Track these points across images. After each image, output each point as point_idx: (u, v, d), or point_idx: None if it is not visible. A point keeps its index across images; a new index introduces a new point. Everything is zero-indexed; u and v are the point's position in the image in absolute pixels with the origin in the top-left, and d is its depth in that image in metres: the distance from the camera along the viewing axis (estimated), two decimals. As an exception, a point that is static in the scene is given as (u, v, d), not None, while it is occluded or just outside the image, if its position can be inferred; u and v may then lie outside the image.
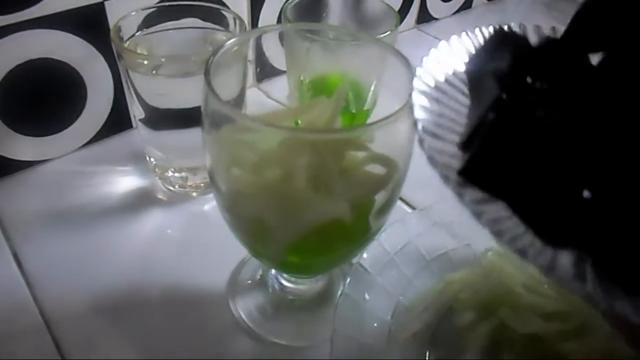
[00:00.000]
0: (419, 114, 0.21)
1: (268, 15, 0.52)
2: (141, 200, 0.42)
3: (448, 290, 0.33)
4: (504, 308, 0.31)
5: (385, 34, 0.38)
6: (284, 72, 0.42)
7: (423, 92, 0.22)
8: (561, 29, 0.24)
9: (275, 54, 0.53)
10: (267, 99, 0.53)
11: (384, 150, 0.26)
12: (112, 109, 0.46)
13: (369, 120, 0.38)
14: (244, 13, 0.50)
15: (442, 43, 0.24)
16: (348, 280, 0.33)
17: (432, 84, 0.23)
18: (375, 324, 0.32)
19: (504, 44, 0.23)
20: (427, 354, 0.32)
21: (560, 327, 0.29)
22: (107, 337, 0.33)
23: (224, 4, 0.47)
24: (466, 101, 0.23)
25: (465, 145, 0.21)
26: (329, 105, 0.28)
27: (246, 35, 0.34)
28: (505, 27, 0.24)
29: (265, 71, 0.54)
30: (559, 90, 0.21)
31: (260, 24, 0.52)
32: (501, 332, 0.30)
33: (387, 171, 0.26)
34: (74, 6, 0.40)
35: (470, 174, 0.19)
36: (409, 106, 0.23)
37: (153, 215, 0.41)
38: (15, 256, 0.37)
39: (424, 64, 0.23)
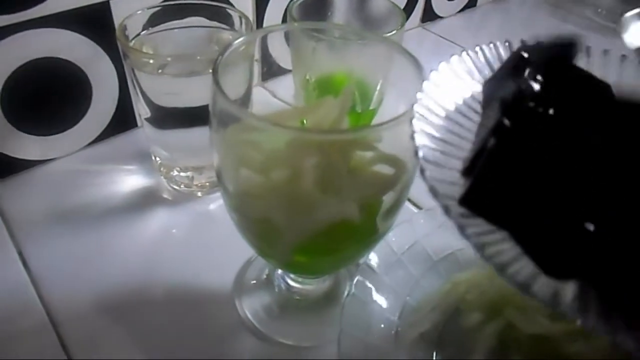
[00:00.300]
0: (420, 140, 0.20)
1: (273, 13, 0.52)
2: (146, 200, 0.42)
3: (455, 291, 0.33)
4: (510, 308, 0.30)
5: (392, 32, 0.38)
6: (290, 71, 0.42)
7: (424, 118, 0.21)
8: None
9: (281, 53, 0.53)
10: (272, 98, 0.53)
11: (392, 151, 0.26)
12: (117, 108, 0.46)
13: (375, 120, 0.38)
14: (249, 12, 0.50)
15: (442, 65, 0.24)
16: (355, 280, 0.33)
17: (434, 109, 0.22)
18: (382, 325, 0.32)
19: (520, 68, 0.23)
20: (434, 354, 0.31)
21: (567, 327, 0.29)
22: (112, 336, 0.33)
23: (229, 3, 0.47)
24: (470, 125, 0.23)
25: (467, 172, 0.20)
26: (335, 105, 0.27)
27: (253, 35, 0.34)
28: (524, 52, 0.23)
29: (271, 70, 0.54)
30: (563, 117, 0.21)
31: (265, 23, 0.52)
32: (508, 333, 0.30)
33: (396, 171, 0.26)
34: (79, 5, 0.40)
35: (471, 203, 0.19)
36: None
37: (158, 214, 0.41)
38: (21, 255, 0.37)
39: (425, 88, 0.23)
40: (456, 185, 0.20)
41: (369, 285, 0.33)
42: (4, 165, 0.42)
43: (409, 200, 0.43)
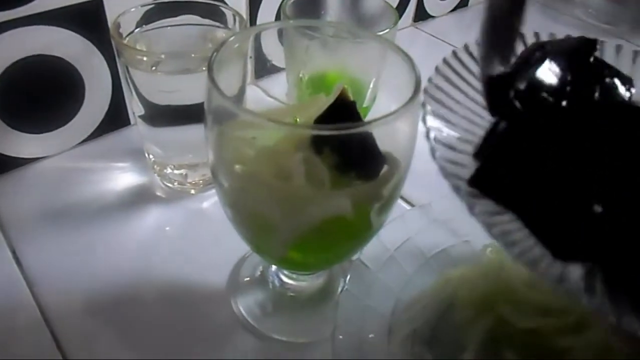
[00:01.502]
0: (432, 122, 0.21)
1: (267, 12, 0.52)
2: (140, 198, 0.42)
3: (447, 287, 0.34)
4: (503, 304, 0.31)
5: (384, 31, 0.39)
6: (283, 69, 0.42)
7: (436, 99, 0.22)
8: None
9: (274, 51, 0.53)
10: (265, 96, 0.53)
11: (385, 147, 0.26)
12: (110, 106, 0.46)
13: (368, 117, 0.38)
14: (243, 10, 0.50)
15: (459, 50, 0.24)
16: (349, 276, 0.33)
17: (446, 92, 0.23)
18: (376, 320, 0.32)
19: (537, 60, 0.23)
20: (428, 349, 0.32)
21: (559, 322, 0.29)
22: (106, 334, 0.33)
23: (223, 1, 0.47)
24: (481, 111, 0.23)
25: (478, 155, 0.21)
26: (327, 103, 0.28)
27: (247, 32, 0.34)
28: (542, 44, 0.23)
29: (265, 68, 0.54)
30: (573, 106, 0.21)
31: (258, 21, 0.52)
32: (500, 328, 0.30)
33: (389, 168, 0.26)
34: (72, 2, 0.39)
35: (480, 184, 0.19)
36: (412, 104, 0.23)
37: (152, 212, 0.41)
38: (14, 253, 0.37)
39: (440, 70, 0.23)
40: (465, 168, 0.20)
41: (363, 281, 0.33)
42: (-3, 163, 0.42)
43: (402, 197, 0.43)
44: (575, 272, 0.17)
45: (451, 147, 0.21)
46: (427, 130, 0.20)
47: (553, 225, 0.18)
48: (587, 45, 0.24)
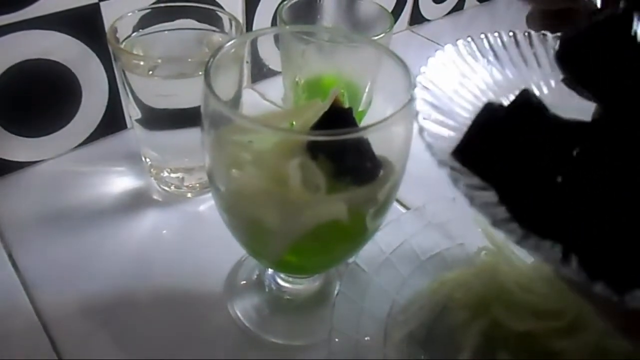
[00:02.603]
0: (421, 106, 0.21)
1: (263, 16, 0.52)
2: (136, 201, 0.42)
3: (442, 290, 0.34)
4: (497, 306, 0.31)
5: (380, 36, 0.39)
6: (280, 73, 0.43)
7: (426, 89, 0.22)
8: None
9: (271, 55, 0.53)
10: (262, 100, 0.53)
11: (380, 152, 0.26)
12: (106, 110, 0.46)
13: (364, 121, 0.39)
14: (239, 14, 0.50)
15: (448, 47, 0.24)
16: (344, 279, 0.33)
17: (437, 82, 0.23)
18: (372, 323, 0.32)
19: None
20: (423, 352, 0.32)
21: (553, 324, 0.30)
22: (103, 337, 0.33)
23: (219, 6, 0.47)
24: (468, 105, 0.23)
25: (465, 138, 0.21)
26: (322, 108, 0.28)
27: (244, 37, 0.34)
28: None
29: (261, 72, 0.54)
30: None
31: (255, 26, 0.52)
32: (495, 330, 0.31)
33: (384, 172, 0.27)
34: (69, 7, 0.40)
35: (462, 155, 0.20)
36: (406, 108, 0.24)
37: (148, 216, 0.42)
38: (11, 257, 0.37)
39: (428, 69, 0.23)
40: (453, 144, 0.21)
41: (359, 284, 0.33)
42: (-6, 167, 0.42)
43: (397, 200, 0.43)
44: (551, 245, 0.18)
45: (439, 123, 0.21)
46: (412, 120, 0.21)
47: (524, 200, 0.19)
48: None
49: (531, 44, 0.26)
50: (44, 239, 0.39)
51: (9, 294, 0.35)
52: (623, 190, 0.18)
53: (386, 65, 0.29)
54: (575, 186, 0.19)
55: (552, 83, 0.26)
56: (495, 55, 0.26)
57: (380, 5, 0.42)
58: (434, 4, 0.71)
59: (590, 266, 0.17)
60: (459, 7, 0.76)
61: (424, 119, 0.20)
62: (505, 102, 0.23)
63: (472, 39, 0.25)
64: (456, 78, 0.24)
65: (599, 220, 0.18)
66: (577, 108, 0.22)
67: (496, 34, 0.26)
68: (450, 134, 0.21)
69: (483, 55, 0.25)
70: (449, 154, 0.20)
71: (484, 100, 0.24)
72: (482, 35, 0.26)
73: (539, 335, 0.30)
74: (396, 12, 0.67)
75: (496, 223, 0.17)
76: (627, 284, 0.16)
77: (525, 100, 0.21)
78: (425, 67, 0.23)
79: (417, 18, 0.70)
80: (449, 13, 0.75)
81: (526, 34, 0.26)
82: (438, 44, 0.67)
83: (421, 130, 0.20)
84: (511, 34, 0.26)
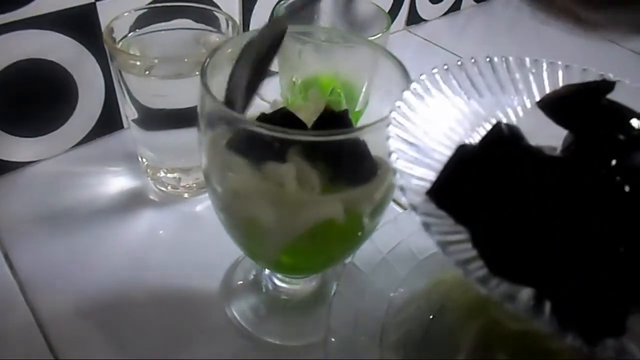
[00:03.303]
0: (394, 144, 0.21)
1: (260, 16, 0.52)
2: (133, 201, 0.42)
3: (440, 289, 0.34)
4: (495, 306, 0.31)
5: (377, 36, 0.39)
6: (276, 73, 0.43)
7: (401, 125, 0.22)
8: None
9: (267, 55, 0.53)
10: (258, 100, 0.53)
11: (376, 152, 0.26)
12: (103, 110, 0.46)
13: (360, 122, 0.39)
14: (236, 14, 0.50)
15: (423, 76, 0.25)
16: (341, 279, 0.33)
17: (412, 118, 0.23)
18: (369, 323, 0.32)
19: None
20: (420, 352, 0.32)
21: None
22: (99, 338, 0.33)
23: (216, 5, 0.47)
24: (444, 140, 0.24)
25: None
26: (318, 107, 0.28)
27: (241, 38, 0.34)
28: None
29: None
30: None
31: (251, 26, 0.52)
32: (493, 330, 0.30)
33: (381, 173, 0.27)
34: (65, 7, 0.39)
35: (437, 196, 0.20)
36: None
37: (145, 216, 0.42)
38: (7, 257, 0.37)
39: (405, 97, 0.24)
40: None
41: (355, 284, 0.33)
42: (-11, 167, 0.42)
43: (394, 200, 0.43)
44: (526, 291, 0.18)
45: (414, 166, 0.21)
46: (389, 151, 0.21)
47: (497, 245, 0.19)
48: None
49: (508, 69, 0.26)
50: (40, 239, 0.39)
51: (5, 294, 0.35)
52: (591, 237, 0.18)
53: (383, 66, 0.29)
54: (545, 230, 0.19)
55: (529, 105, 0.26)
56: (472, 83, 0.26)
57: (377, 6, 0.42)
58: (430, 4, 0.71)
59: (563, 314, 0.17)
60: (455, 7, 0.76)
61: (398, 159, 0.21)
62: (482, 131, 0.23)
63: (449, 67, 0.25)
64: (432, 110, 0.24)
65: (570, 266, 0.18)
66: (555, 134, 0.23)
67: (473, 60, 0.26)
68: (424, 172, 0.22)
69: (459, 84, 0.26)
70: (424, 194, 0.20)
71: (460, 131, 0.24)
72: (459, 62, 0.26)
73: (536, 335, 0.30)
74: (393, 12, 0.67)
75: (467, 274, 0.17)
76: (598, 333, 0.16)
77: (497, 135, 0.22)
78: (400, 101, 0.23)
79: (414, 18, 0.70)
80: (445, 13, 0.75)
81: (503, 58, 0.26)
82: (435, 44, 0.67)
83: (394, 172, 0.20)
84: (488, 59, 0.26)
